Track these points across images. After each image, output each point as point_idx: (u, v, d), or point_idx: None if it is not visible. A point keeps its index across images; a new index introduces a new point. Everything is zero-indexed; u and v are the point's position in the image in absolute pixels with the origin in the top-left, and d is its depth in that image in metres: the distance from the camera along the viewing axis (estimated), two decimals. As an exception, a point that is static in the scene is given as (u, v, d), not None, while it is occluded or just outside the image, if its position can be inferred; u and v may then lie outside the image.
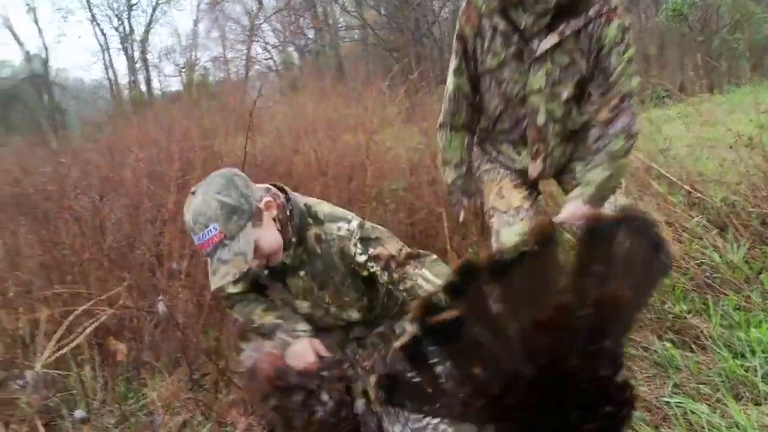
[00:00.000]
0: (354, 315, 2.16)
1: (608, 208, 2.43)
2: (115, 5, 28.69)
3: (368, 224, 2.04)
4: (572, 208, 2.28)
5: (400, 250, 2.00)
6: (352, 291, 2.10)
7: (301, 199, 2.07)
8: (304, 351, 2.00)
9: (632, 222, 1.38)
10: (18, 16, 66.81)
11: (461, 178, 2.60)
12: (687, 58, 12.65)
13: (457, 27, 2.39)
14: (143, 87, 28.41)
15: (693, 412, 2.23)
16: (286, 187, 2.07)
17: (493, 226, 2.56)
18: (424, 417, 1.58)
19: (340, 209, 2.11)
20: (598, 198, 2.30)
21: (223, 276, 1.83)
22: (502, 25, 2.26)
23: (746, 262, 3.14)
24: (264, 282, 2.16)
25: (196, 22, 29.30)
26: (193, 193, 1.88)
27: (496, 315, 1.30)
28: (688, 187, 3.89)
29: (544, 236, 1.32)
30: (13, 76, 30.67)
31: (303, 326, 2.10)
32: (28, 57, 29.01)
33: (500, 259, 1.31)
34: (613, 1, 2.24)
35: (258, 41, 26.94)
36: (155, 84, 29.27)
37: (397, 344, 1.67)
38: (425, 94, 6.36)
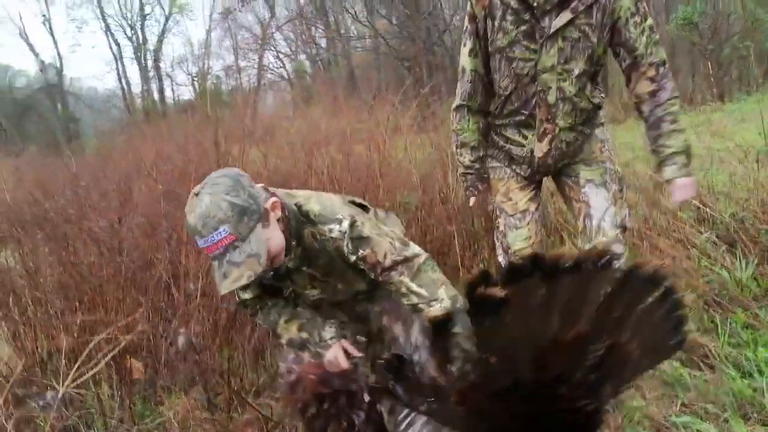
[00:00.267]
0: (361, 287, 2.19)
1: (609, 222, 2.49)
2: (128, 15, 28.99)
3: (359, 222, 2.01)
4: (681, 186, 2.37)
5: (386, 255, 1.99)
6: (355, 275, 2.13)
7: (289, 200, 2.03)
8: (338, 358, 2.06)
9: (665, 288, 1.43)
10: (33, 27, 67.59)
11: (478, 161, 2.63)
12: (697, 66, 12.66)
13: (468, 8, 2.43)
14: (156, 96, 28.65)
15: (700, 432, 2.26)
16: (270, 188, 2.04)
17: (498, 226, 2.64)
18: (410, 414, 1.63)
19: (329, 205, 2.05)
20: (689, 160, 2.38)
21: (236, 279, 1.78)
22: (513, 2, 2.28)
23: (755, 279, 3.15)
24: (268, 282, 2.16)
25: (208, 32, 29.41)
26: (197, 194, 1.81)
27: (534, 314, 1.35)
28: (697, 203, 3.91)
29: (599, 258, 1.37)
30: (28, 86, 31.07)
31: (328, 333, 2.12)
32: (43, 67, 29.34)
33: (558, 262, 1.35)
34: None
35: (270, 50, 27.13)
36: (168, 93, 29.51)
37: (430, 314, 1.75)
38: (437, 107, 6.40)
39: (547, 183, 2.93)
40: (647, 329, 1.41)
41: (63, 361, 2.38)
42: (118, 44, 28.90)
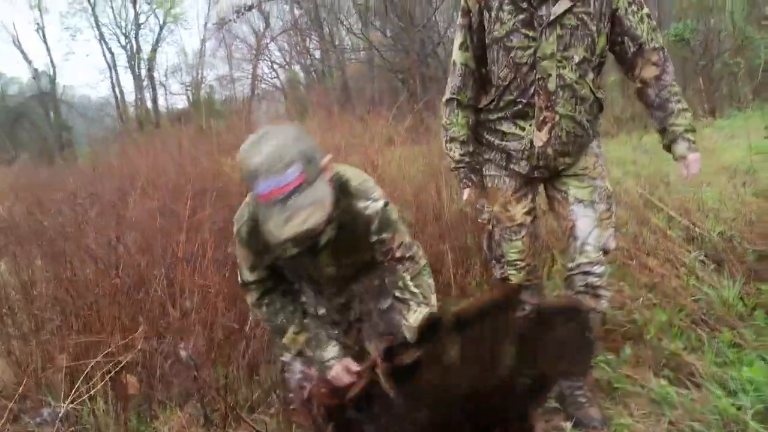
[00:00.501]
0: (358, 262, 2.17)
1: (592, 244, 2.54)
2: (122, 24, 29.01)
3: (390, 205, 2.04)
4: (693, 161, 2.49)
5: (401, 246, 2.05)
6: (363, 255, 2.13)
7: (336, 167, 1.98)
8: (340, 376, 2.07)
9: (571, 310, 1.59)
10: (27, 35, 67.51)
11: (468, 155, 2.64)
12: (689, 81, 12.78)
13: (462, 2, 2.49)
14: (149, 105, 28.63)
15: (686, 450, 2.31)
16: None
17: (494, 236, 2.67)
18: None
19: (365, 181, 2.05)
20: (695, 137, 2.52)
21: (303, 221, 1.71)
22: None
23: (741, 298, 3.21)
24: (282, 264, 2.11)
25: (203, 41, 29.47)
26: (258, 140, 1.76)
27: (452, 367, 1.47)
28: (686, 222, 3.98)
29: (504, 300, 1.52)
30: (20, 94, 31.00)
31: (330, 353, 2.12)
32: (36, 74, 29.27)
33: (463, 316, 1.48)
34: None
35: (264, 60, 27.21)
36: (161, 102, 29.50)
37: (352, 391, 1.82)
38: (432, 122, 6.47)
39: (539, 201, 2.97)
40: (562, 353, 1.55)
41: (61, 378, 2.40)
42: (112, 53, 28.90)
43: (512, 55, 2.41)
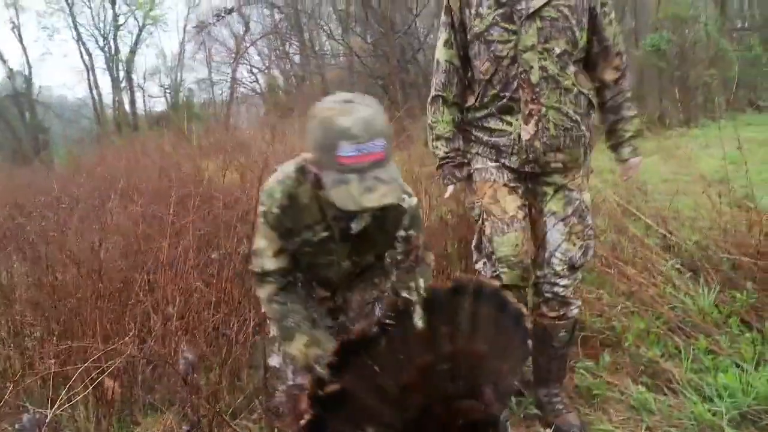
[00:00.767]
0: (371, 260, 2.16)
1: (558, 258, 2.60)
2: (101, 25, 28.74)
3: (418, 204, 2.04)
4: (634, 165, 2.72)
5: (420, 247, 2.02)
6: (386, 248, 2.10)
7: None
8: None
9: (467, 288, 1.70)
10: (2, 34, 66.61)
11: (453, 152, 2.65)
12: (665, 91, 12.99)
13: (445, 0, 2.56)
14: (127, 107, 28.39)
15: (664, 455, 2.37)
16: None
17: (484, 230, 2.58)
18: None
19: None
20: (638, 143, 2.74)
21: (383, 195, 1.66)
22: None
23: (716, 306, 3.27)
24: (301, 253, 2.04)
25: (182, 44, 29.28)
26: (346, 101, 1.71)
27: (375, 382, 1.57)
28: (663, 231, 4.05)
29: (397, 311, 1.63)
30: (-6, 94, 30.49)
31: None
32: (11, 74, 28.84)
33: (368, 335, 1.60)
34: None
35: (244, 64, 27.10)
36: (139, 104, 29.25)
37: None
38: (413, 130, 6.51)
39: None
40: (477, 324, 1.66)
41: (44, 383, 2.39)
42: (89, 54, 28.58)
43: (492, 48, 2.45)
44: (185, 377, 2.61)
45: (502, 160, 2.55)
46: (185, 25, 30.56)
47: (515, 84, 2.44)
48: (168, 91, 29.66)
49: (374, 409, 1.61)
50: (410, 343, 1.64)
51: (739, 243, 3.62)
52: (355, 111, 1.66)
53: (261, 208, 2.00)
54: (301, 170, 1.95)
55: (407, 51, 19.47)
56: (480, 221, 2.61)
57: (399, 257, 2.04)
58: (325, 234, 1.99)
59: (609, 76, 2.59)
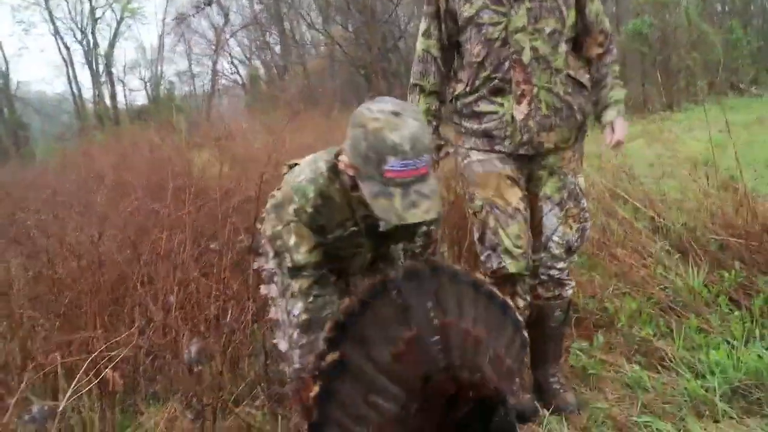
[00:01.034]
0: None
1: (555, 241, 2.64)
2: (78, 19, 28.40)
3: None
4: (620, 125, 2.60)
5: (437, 240, 2.13)
6: (404, 242, 2.17)
7: None
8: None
9: (444, 269, 1.77)
10: (-24, 29, 65.50)
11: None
12: (647, 75, 13.09)
13: None
14: (108, 101, 28.10)
15: (659, 431, 2.41)
16: None
17: (489, 223, 2.56)
18: None
19: None
20: (624, 108, 2.66)
21: (426, 210, 1.71)
22: None
23: (705, 286, 3.34)
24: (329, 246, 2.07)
25: (161, 37, 29.01)
26: (398, 114, 1.73)
27: (368, 352, 1.64)
28: (652, 213, 4.12)
29: (375, 289, 1.69)
30: (-31, 90, 30.05)
31: None
32: (-13, 70, 28.45)
33: (353, 309, 1.67)
34: None
35: (224, 55, 26.96)
36: (120, 98, 28.97)
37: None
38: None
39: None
40: (475, 311, 1.73)
41: (51, 376, 2.40)
42: (68, 48, 28.26)
43: (483, 31, 2.47)
44: (190, 367, 2.63)
45: (497, 147, 2.55)
46: (164, 18, 30.30)
47: (507, 65, 2.46)
48: (149, 84, 29.45)
49: (375, 379, 1.65)
50: (393, 316, 1.69)
51: (726, 224, 3.68)
52: (404, 126, 1.70)
53: (292, 206, 2.00)
54: (334, 169, 1.97)
55: (388, 39, 19.46)
56: (482, 213, 2.59)
57: (417, 250, 2.12)
58: (353, 229, 2.04)
59: (592, 52, 2.60)
